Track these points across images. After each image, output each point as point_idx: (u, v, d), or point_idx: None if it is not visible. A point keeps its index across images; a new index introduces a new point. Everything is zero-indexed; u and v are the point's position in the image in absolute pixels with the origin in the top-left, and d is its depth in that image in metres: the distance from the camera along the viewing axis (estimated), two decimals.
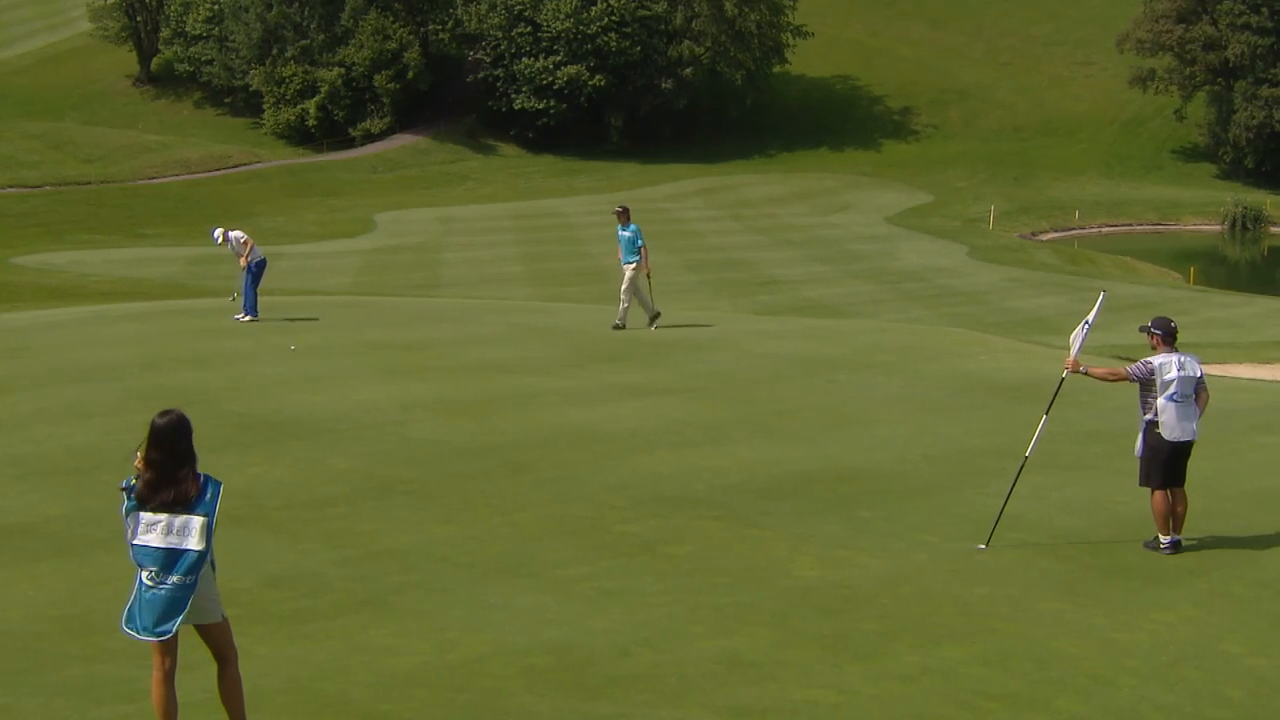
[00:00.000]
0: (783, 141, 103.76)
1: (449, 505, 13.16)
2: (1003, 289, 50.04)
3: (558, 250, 59.65)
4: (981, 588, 11.00)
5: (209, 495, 7.58)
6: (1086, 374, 12.31)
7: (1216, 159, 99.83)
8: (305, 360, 21.35)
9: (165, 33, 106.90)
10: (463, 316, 28.10)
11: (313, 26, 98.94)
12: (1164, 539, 12.06)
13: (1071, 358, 12.31)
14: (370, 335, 24.39)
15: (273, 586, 10.79)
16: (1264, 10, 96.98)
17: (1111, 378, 12.46)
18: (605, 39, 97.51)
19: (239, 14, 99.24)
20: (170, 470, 7.54)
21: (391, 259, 58.12)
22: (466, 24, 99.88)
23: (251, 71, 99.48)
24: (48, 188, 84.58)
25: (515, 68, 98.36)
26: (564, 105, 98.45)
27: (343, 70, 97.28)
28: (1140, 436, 12.22)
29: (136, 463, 7.61)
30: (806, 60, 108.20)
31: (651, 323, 25.37)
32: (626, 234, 25.28)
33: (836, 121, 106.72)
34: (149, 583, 7.52)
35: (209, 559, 7.60)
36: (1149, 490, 12.14)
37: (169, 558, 7.48)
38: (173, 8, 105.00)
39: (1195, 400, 12.09)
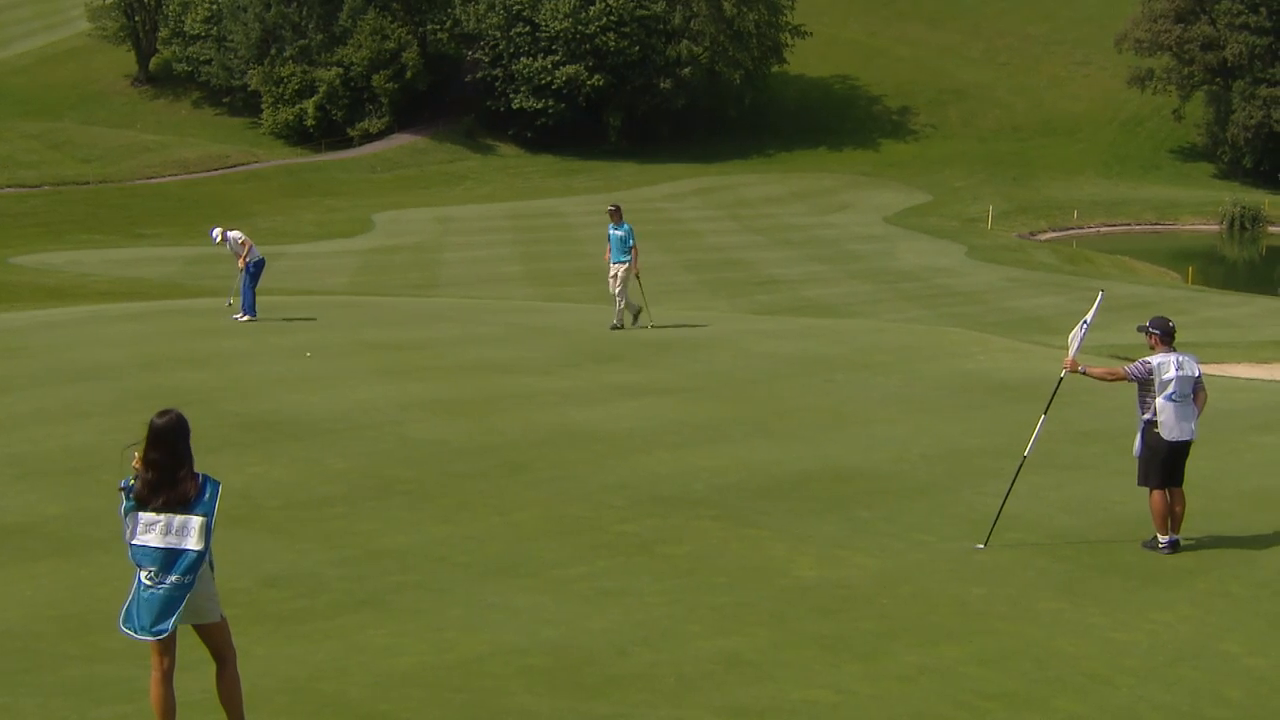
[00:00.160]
0: (781, 141, 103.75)
1: (447, 505, 13.16)
2: (1001, 289, 50.05)
3: (556, 250, 59.63)
4: (980, 587, 11.01)
5: (208, 495, 7.59)
6: (1085, 374, 12.31)
7: (1215, 159, 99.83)
8: (303, 360, 21.34)
9: (164, 32, 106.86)
10: (461, 316, 28.10)
11: (311, 26, 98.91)
12: (1162, 539, 12.07)
13: (1070, 357, 12.31)
14: (368, 335, 24.39)
15: (271, 586, 10.79)
16: (1262, 10, 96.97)
17: (1110, 377, 12.46)
18: (604, 39, 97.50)
19: (237, 14, 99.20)
20: (169, 470, 7.54)
21: (390, 259, 58.11)
22: (465, 24, 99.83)
23: (250, 71, 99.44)
24: (46, 187, 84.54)
25: (514, 68, 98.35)
26: (562, 105, 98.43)
27: (341, 70, 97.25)
28: (1139, 436, 12.22)
29: (134, 463, 7.61)
30: (805, 60, 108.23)
31: (635, 320, 25.25)
32: (619, 233, 25.19)
33: (835, 121, 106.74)
34: (147, 582, 7.52)
35: (208, 559, 7.60)
36: (1147, 490, 12.15)
37: (168, 558, 7.48)
38: (171, 7, 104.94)
39: (1194, 400, 12.09)
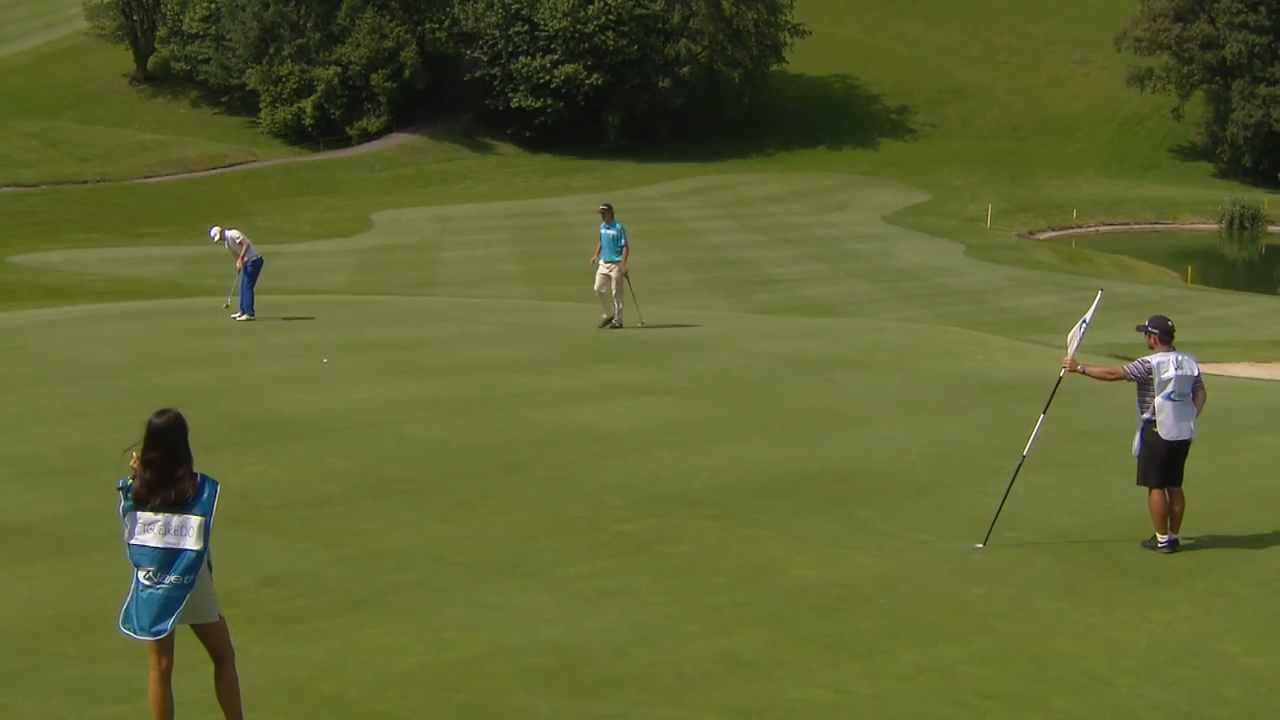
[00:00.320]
0: (780, 140, 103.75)
1: (446, 505, 13.15)
2: (1000, 288, 50.03)
3: (555, 249, 59.59)
4: (979, 587, 11.00)
5: (206, 495, 7.58)
6: (1084, 373, 12.30)
7: (1214, 158, 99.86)
8: (302, 360, 21.34)
9: (162, 31, 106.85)
10: (460, 316, 28.08)
11: (309, 25, 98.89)
12: (1162, 538, 12.06)
13: (1069, 356, 12.30)
14: (367, 334, 24.38)
15: (269, 586, 10.79)
16: (1261, 9, 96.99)
17: (1109, 377, 12.45)
18: (602, 38, 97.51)
19: (236, 13, 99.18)
20: (168, 470, 7.53)
21: (388, 258, 58.09)
22: (463, 23, 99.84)
23: (248, 70, 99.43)
24: (44, 186, 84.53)
25: (512, 67, 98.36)
26: (561, 104, 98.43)
27: (339, 69, 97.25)
28: (1138, 435, 12.21)
29: (132, 463, 7.60)
30: (804, 59, 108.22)
31: (607, 324, 25.16)
32: (611, 232, 25.13)
33: (834, 120, 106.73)
34: (146, 582, 7.51)
35: (206, 559, 7.59)
36: (1147, 489, 12.14)
37: (167, 557, 7.48)
38: (169, 6, 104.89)
39: (1193, 399, 12.08)
